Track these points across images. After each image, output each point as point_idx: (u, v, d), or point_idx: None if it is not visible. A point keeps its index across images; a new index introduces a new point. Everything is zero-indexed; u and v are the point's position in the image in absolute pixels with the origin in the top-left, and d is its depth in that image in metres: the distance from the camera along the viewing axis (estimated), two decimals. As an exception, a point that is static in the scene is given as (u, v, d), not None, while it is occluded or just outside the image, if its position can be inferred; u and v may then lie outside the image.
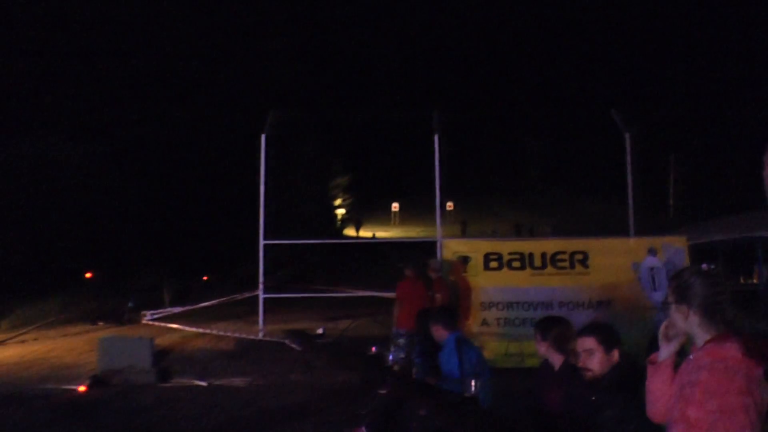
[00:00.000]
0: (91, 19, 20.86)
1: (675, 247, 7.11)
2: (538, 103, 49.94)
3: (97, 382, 6.50)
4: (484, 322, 7.06)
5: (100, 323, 11.22)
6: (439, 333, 3.68)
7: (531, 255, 7.22)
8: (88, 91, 19.71)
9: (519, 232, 32.05)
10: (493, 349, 6.81)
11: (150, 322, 11.12)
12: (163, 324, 10.84)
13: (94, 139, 19.36)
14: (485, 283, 7.18)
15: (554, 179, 48.01)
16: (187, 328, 10.26)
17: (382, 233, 34.08)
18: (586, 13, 57.72)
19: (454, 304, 6.45)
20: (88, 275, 15.61)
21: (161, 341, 8.68)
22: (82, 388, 6.33)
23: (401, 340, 6.49)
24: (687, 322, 1.66)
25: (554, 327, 2.85)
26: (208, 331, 10.01)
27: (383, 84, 54.05)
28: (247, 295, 10.92)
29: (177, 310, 11.46)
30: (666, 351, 1.76)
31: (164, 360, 7.63)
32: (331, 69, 47.66)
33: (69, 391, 6.31)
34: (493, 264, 7.25)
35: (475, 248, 7.43)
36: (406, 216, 39.35)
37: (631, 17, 57.53)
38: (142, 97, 22.34)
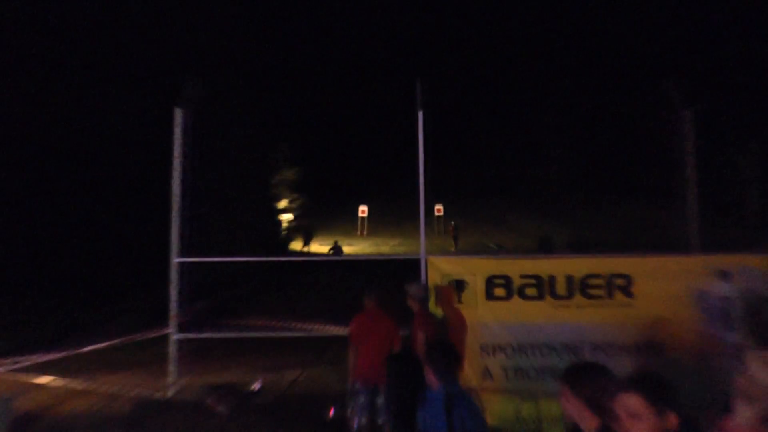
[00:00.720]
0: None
1: (756, 270, 7.09)
2: (558, 73, 50.59)
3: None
4: (486, 373, 7.01)
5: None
6: (429, 379, 3.71)
7: (552, 279, 7.21)
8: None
9: (546, 246, 31.75)
10: (498, 411, 6.79)
11: (6, 374, 10.78)
12: (27, 377, 10.50)
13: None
14: (488, 318, 7.14)
15: (582, 176, 48.55)
16: (64, 383, 9.96)
17: (345, 248, 33.96)
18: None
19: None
20: None
21: (24, 402, 8.40)
22: None
23: (362, 398, 6.38)
24: (776, 375, 1.63)
25: (589, 378, 2.83)
26: (94, 386, 9.75)
27: (348, 46, 54.15)
28: (152, 334, 10.68)
29: (49, 357, 11.14)
30: (744, 415, 1.73)
31: (28, 431, 7.34)
32: (278, 25, 47.53)
33: None
34: (499, 291, 7.21)
35: (473, 268, 7.38)
36: (377, 224, 39.43)
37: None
38: (13, 67, 21.75)
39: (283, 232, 37.85)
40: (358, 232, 38.86)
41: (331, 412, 4.94)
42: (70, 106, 22.86)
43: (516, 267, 7.38)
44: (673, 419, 2.32)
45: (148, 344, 11.37)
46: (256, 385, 9.40)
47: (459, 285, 7.25)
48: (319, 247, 35.98)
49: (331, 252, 29.96)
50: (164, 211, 9.41)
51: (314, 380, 10.20)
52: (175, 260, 8.86)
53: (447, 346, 4.20)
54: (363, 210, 39.07)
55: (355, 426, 4.77)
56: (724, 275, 7.04)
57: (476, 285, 7.25)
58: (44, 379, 10.28)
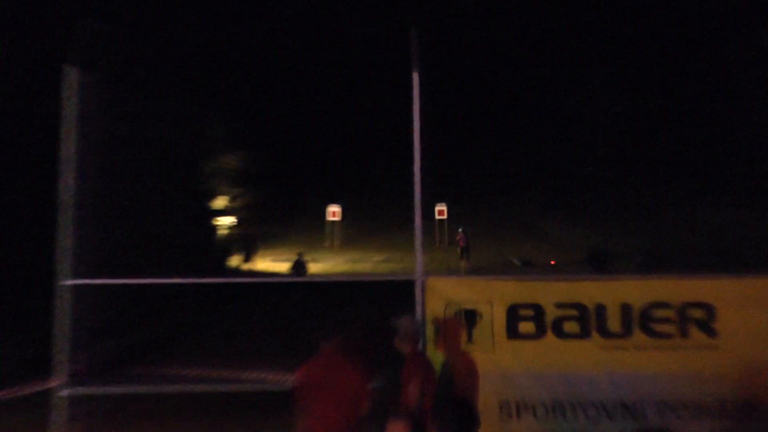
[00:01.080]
0: None
1: None
2: (610, 18, 50.91)
3: None
4: (509, 442, 6.98)
5: None
6: None
7: (601, 309, 7.19)
8: None
9: (598, 263, 31.41)
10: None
11: None
12: None
13: None
14: (510, 364, 7.14)
15: (643, 166, 48.56)
16: None
17: (309, 265, 33.97)
18: None
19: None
20: None
21: None
22: None
23: None
24: None
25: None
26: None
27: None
28: (33, 389, 10.56)
29: None
30: None
31: None
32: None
33: None
34: (527, 326, 7.21)
35: (489, 294, 7.36)
36: (354, 231, 39.50)
37: None
38: None
39: (221, 242, 37.68)
40: (327, 243, 38.78)
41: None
42: None
43: (550, 292, 7.37)
44: None
45: (25, 404, 11.24)
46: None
47: (469, 317, 7.22)
48: (272, 263, 35.92)
49: (293, 270, 30.01)
50: (51, 212, 9.29)
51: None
52: (64, 283, 8.72)
53: (461, 402, 4.16)
54: (334, 212, 38.95)
55: None
56: None
57: (494, 317, 7.25)
58: None
